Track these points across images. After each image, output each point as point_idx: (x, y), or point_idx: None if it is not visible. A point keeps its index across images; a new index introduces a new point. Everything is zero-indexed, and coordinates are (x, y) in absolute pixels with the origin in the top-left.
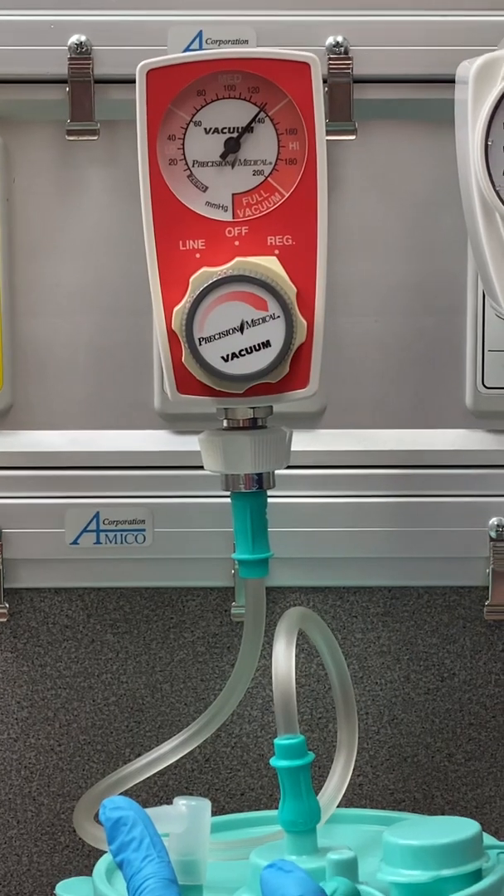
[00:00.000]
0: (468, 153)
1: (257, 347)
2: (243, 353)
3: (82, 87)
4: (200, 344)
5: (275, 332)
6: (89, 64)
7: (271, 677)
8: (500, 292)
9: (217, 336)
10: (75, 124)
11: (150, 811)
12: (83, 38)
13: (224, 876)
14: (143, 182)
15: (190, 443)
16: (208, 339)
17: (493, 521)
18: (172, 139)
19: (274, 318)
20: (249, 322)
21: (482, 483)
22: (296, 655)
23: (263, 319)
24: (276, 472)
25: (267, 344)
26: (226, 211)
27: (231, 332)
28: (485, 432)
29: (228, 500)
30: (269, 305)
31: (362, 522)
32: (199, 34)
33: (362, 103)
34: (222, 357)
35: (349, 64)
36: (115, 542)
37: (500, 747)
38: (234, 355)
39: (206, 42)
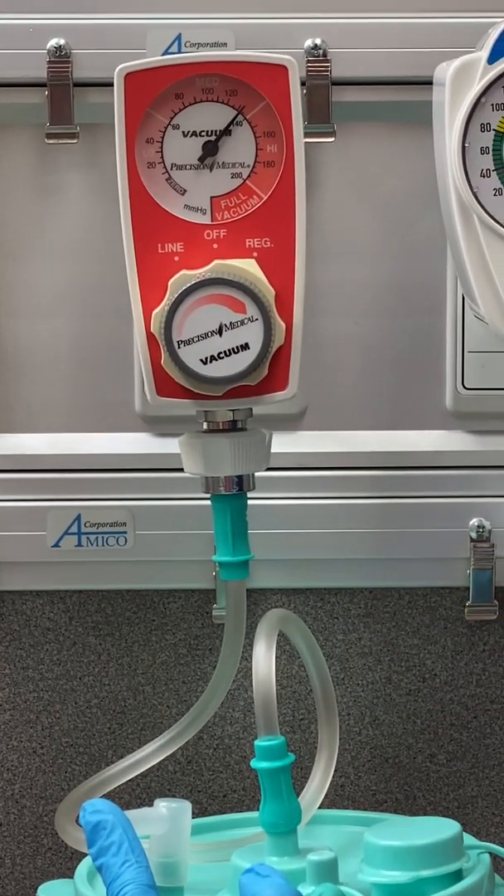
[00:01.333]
0: (446, 155)
1: (236, 350)
2: (222, 355)
3: (61, 90)
4: (179, 347)
5: (253, 334)
6: (68, 67)
7: (252, 679)
8: (479, 294)
9: (196, 339)
10: (55, 128)
11: (130, 813)
12: (62, 42)
13: (205, 878)
14: (121, 185)
15: (170, 445)
16: (187, 342)
17: (474, 521)
18: (151, 142)
19: (252, 321)
20: (228, 325)
21: (462, 484)
22: (277, 657)
23: (242, 322)
24: (257, 474)
25: (246, 346)
26: (204, 214)
27: (210, 334)
28: (465, 433)
29: (209, 502)
30: (247, 308)
31: (343, 524)
32: (178, 37)
33: (341, 105)
34: (201, 360)
35: (327, 66)
36: (97, 545)
37: (482, 748)
38: (212, 358)
39: (185, 45)
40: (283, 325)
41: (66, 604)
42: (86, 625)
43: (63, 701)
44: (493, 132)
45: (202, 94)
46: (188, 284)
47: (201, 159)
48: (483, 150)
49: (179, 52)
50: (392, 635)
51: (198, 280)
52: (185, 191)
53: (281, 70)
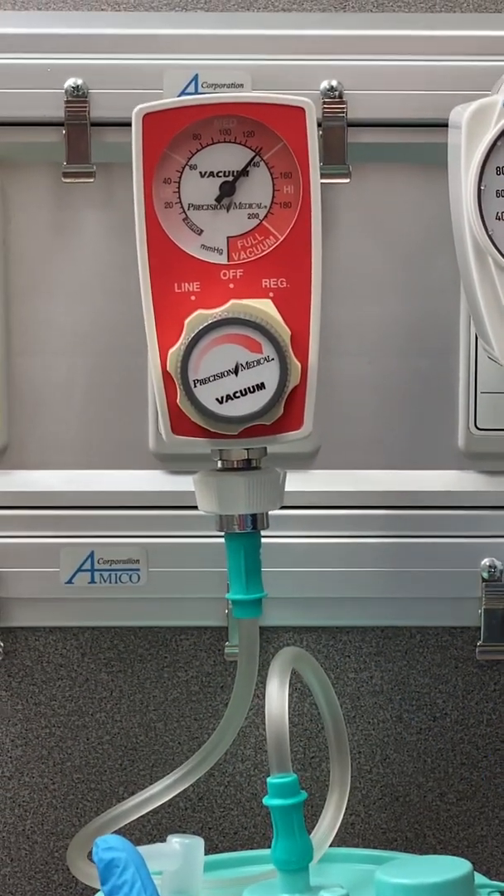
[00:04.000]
0: (461, 197)
1: (252, 389)
2: (238, 394)
3: (79, 129)
4: (195, 385)
5: (269, 374)
6: (86, 107)
7: (264, 716)
8: (493, 335)
9: (212, 378)
10: (72, 167)
11: (143, 849)
12: (80, 82)
13: None
14: (138, 224)
15: (184, 483)
16: (203, 381)
17: (486, 561)
18: (168, 182)
19: (268, 361)
20: (244, 364)
21: (474, 524)
22: (289, 695)
23: (258, 362)
24: (270, 512)
25: (261, 386)
26: (221, 254)
27: (226, 374)
28: (477, 473)
29: (222, 540)
30: (263, 348)
31: (355, 562)
32: (195, 78)
33: (356, 147)
34: (217, 399)
35: (343, 108)
36: (110, 582)
37: (492, 787)
38: (228, 397)
39: (202, 86)
40: (299, 364)
41: (78, 640)
42: (98, 661)
43: (75, 737)
44: None
45: (220, 134)
46: (205, 324)
47: (218, 199)
48: (499, 193)
49: (196, 92)
50: (403, 674)
51: (214, 320)
52: (202, 231)
53: (298, 112)
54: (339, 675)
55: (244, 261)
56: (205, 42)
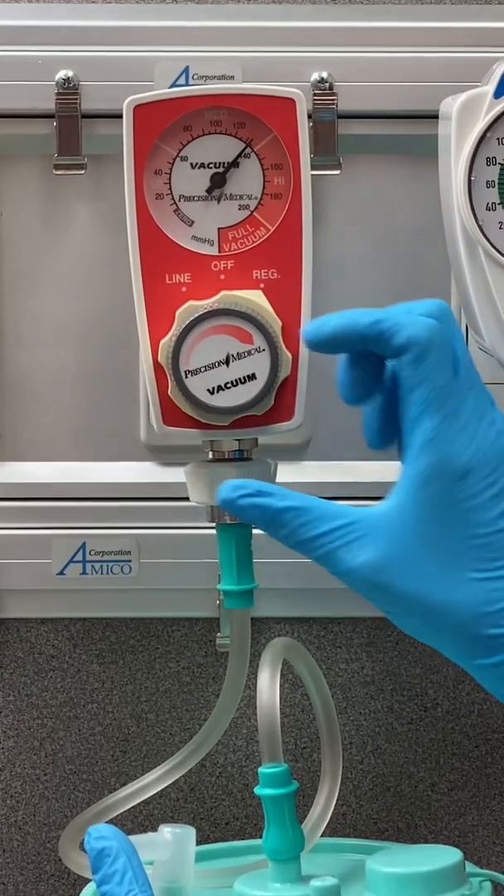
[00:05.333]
0: (451, 188)
1: (243, 380)
2: (229, 385)
3: (70, 121)
4: (186, 376)
5: (260, 365)
6: (76, 99)
7: (256, 707)
8: (483, 325)
9: (203, 369)
10: (62, 159)
11: (134, 838)
12: (70, 74)
13: None
14: (129, 216)
15: (176, 474)
16: (194, 372)
17: None
18: (159, 174)
19: (259, 352)
20: (235, 355)
21: None
22: (280, 685)
23: (249, 352)
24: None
25: (252, 377)
26: (212, 245)
27: (217, 364)
28: None
29: (214, 531)
30: (254, 339)
31: None
32: (186, 70)
33: (347, 138)
34: (208, 389)
35: (334, 99)
36: (102, 573)
37: (483, 777)
38: (219, 388)
39: (193, 78)
40: (290, 355)
41: (70, 631)
42: (90, 652)
43: (66, 728)
44: (498, 166)
45: (210, 126)
46: (196, 315)
47: (209, 191)
48: (489, 184)
49: (187, 84)
50: (394, 664)
51: (205, 310)
52: (193, 222)
53: (288, 103)
54: (331, 666)
55: (235, 252)
56: (195, 34)
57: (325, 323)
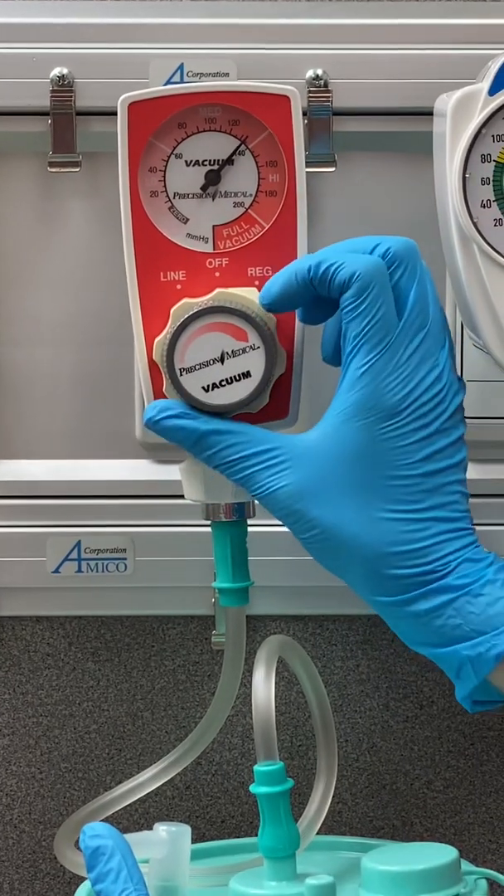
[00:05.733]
0: (446, 185)
1: (238, 378)
2: (224, 383)
3: (64, 119)
4: (181, 374)
5: (255, 362)
6: (71, 96)
7: (251, 705)
8: (479, 322)
9: (198, 367)
10: (57, 156)
11: (130, 836)
12: (65, 71)
13: None
14: (124, 214)
15: (171, 472)
16: (189, 370)
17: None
18: (153, 171)
19: (254, 349)
20: (230, 352)
21: None
22: (276, 683)
23: (244, 350)
24: (257, 501)
25: (247, 374)
26: (206, 242)
27: (211, 362)
28: None
29: (209, 529)
30: (249, 336)
31: None
32: (181, 67)
33: (342, 135)
34: (203, 387)
35: (329, 97)
36: (97, 571)
37: (479, 775)
38: (214, 385)
39: (188, 75)
40: (285, 353)
41: (65, 629)
42: (85, 650)
43: (62, 726)
44: (493, 163)
45: (205, 123)
46: (190, 312)
47: (204, 188)
48: (484, 181)
49: (182, 81)
50: (390, 662)
51: (200, 308)
52: (188, 219)
53: (283, 100)
54: (326, 664)
55: (230, 249)
56: (190, 31)
57: (273, 282)
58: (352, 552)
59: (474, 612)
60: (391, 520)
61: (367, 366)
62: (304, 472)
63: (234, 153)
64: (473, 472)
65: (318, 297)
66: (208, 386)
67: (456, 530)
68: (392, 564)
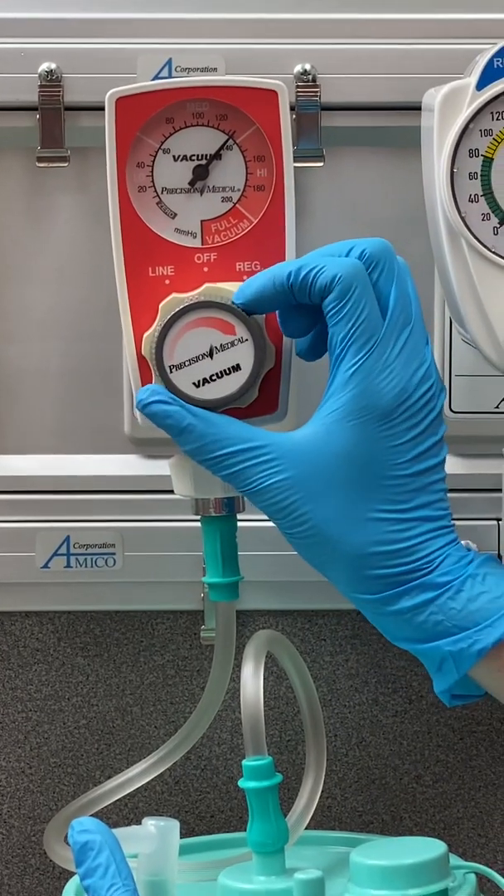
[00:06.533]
0: (434, 180)
1: (227, 372)
2: (213, 378)
3: (52, 114)
4: (170, 370)
5: (244, 355)
6: (59, 91)
7: (240, 700)
8: (466, 317)
9: (187, 362)
10: (45, 151)
11: (118, 831)
12: (53, 66)
13: None
14: (112, 209)
15: (160, 467)
16: (178, 366)
17: (462, 544)
18: (141, 166)
19: (243, 342)
20: (219, 347)
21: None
22: (264, 678)
23: (232, 344)
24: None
25: (237, 368)
26: (195, 237)
27: (201, 357)
28: (453, 456)
29: (198, 524)
30: (237, 330)
31: None
32: (169, 62)
33: (330, 130)
34: (193, 383)
35: (317, 91)
36: (86, 566)
37: (468, 769)
38: (204, 381)
39: (176, 70)
40: (274, 347)
41: (54, 624)
42: (74, 646)
43: (51, 721)
44: (481, 157)
45: (192, 118)
46: (179, 308)
47: (192, 183)
48: (471, 176)
49: (170, 76)
50: (379, 657)
51: (188, 303)
52: (176, 214)
53: (271, 95)
54: (315, 659)
55: (218, 244)
56: (178, 26)
57: (249, 284)
58: (338, 550)
59: (455, 608)
60: (380, 519)
61: (356, 366)
62: (295, 468)
63: (221, 148)
64: (460, 466)
65: (297, 306)
66: (198, 381)
67: (439, 528)
68: (377, 564)
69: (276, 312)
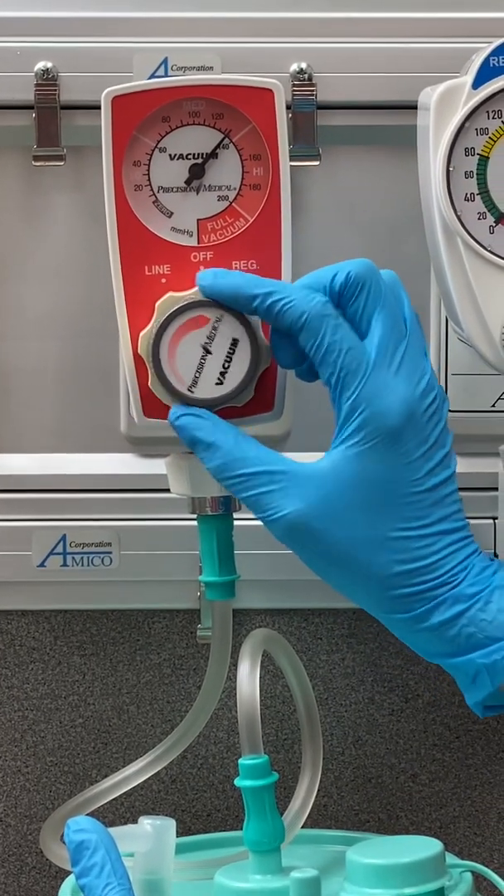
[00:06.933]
0: (430, 178)
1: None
2: (209, 377)
3: (49, 112)
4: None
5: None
6: (55, 90)
7: (236, 699)
8: (463, 317)
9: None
10: (42, 150)
11: (114, 830)
12: (49, 65)
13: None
14: (108, 208)
15: (156, 466)
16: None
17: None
18: (138, 165)
19: (238, 342)
20: (214, 346)
21: None
22: (261, 677)
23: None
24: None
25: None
26: (191, 236)
27: (196, 356)
28: None
29: (194, 522)
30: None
31: None
32: (165, 61)
33: (326, 129)
34: (189, 381)
35: (313, 90)
36: (82, 565)
37: (464, 768)
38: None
39: (172, 69)
40: (269, 347)
41: (51, 623)
42: (71, 644)
43: (48, 720)
44: (477, 156)
45: (189, 117)
46: (175, 307)
47: (188, 182)
48: (467, 175)
49: (166, 75)
50: (375, 656)
51: (185, 302)
52: (172, 213)
53: (267, 94)
54: (311, 657)
55: (214, 243)
56: (175, 25)
57: (221, 277)
58: (363, 574)
59: (486, 620)
60: (401, 538)
61: (354, 395)
62: (314, 497)
63: (217, 146)
64: (459, 465)
65: (286, 338)
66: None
67: (460, 540)
68: (404, 583)
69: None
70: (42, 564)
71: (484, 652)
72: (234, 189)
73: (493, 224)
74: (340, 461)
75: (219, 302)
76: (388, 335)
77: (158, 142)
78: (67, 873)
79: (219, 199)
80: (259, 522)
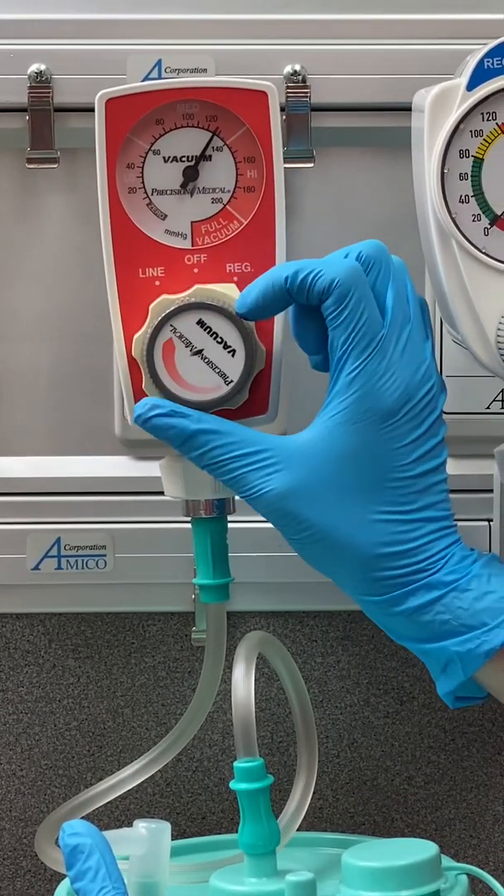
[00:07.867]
0: (425, 180)
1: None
2: (204, 379)
3: (42, 115)
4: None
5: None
6: (49, 92)
7: (231, 701)
8: (457, 318)
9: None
10: (35, 152)
11: (109, 834)
12: (43, 67)
13: None
14: (102, 210)
15: (150, 468)
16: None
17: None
18: (131, 167)
19: (233, 344)
20: (208, 349)
21: None
22: (256, 679)
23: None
24: (237, 497)
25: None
26: (185, 239)
27: (191, 359)
28: None
29: (189, 525)
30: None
31: None
32: (158, 63)
33: (320, 131)
34: (183, 384)
35: (307, 92)
36: (77, 568)
37: (459, 770)
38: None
39: (166, 71)
40: (264, 349)
41: (45, 626)
42: (65, 647)
43: (42, 723)
44: (471, 158)
45: (182, 119)
46: (169, 309)
47: (182, 184)
48: (462, 177)
49: (160, 77)
50: (370, 658)
51: (179, 305)
52: (166, 216)
53: (261, 96)
54: (306, 660)
55: (208, 245)
56: (168, 27)
57: (249, 291)
58: (344, 553)
59: (462, 607)
60: (384, 521)
61: (358, 370)
62: (297, 473)
63: (211, 148)
64: (451, 467)
65: (311, 319)
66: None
67: (444, 528)
68: (383, 565)
69: (292, 325)
70: (36, 567)
71: (458, 640)
72: (228, 191)
73: (488, 226)
74: (327, 437)
75: (213, 305)
76: (395, 317)
77: (152, 144)
78: (62, 877)
79: (213, 202)
80: (255, 525)
